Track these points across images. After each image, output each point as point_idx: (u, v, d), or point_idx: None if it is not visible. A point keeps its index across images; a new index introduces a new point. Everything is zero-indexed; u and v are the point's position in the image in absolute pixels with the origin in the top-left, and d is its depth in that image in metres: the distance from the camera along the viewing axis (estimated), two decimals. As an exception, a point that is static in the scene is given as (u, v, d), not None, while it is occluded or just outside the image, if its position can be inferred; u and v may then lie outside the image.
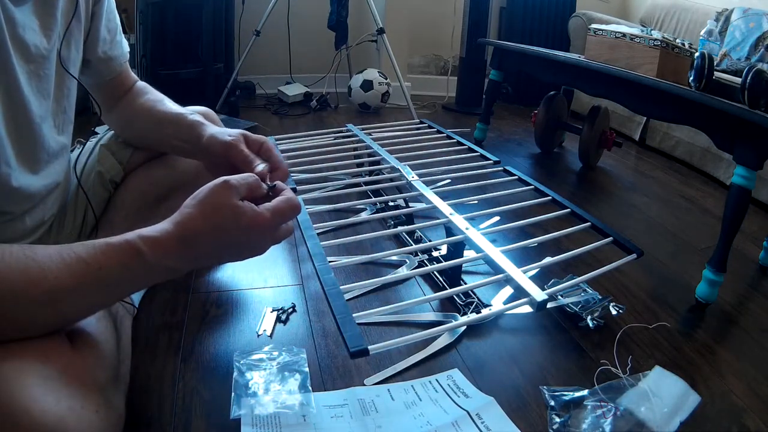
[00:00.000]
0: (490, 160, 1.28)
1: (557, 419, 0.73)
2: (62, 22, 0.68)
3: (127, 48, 0.86)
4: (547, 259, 1.00)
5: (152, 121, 0.85)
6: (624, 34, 1.50)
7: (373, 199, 1.28)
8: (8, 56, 0.58)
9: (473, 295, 0.99)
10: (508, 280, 0.82)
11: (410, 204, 1.22)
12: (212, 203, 0.55)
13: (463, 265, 1.05)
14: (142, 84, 0.90)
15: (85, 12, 0.73)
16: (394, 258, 1.13)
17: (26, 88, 0.62)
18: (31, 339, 0.49)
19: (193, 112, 0.82)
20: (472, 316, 0.90)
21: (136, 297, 0.90)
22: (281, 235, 0.60)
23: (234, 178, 0.57)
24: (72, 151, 0.92)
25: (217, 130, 0.75)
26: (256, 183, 0.59)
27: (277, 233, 0.60)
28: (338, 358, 0.84)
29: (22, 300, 0.48)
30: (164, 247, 0.53)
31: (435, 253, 1.13)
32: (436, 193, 1.06)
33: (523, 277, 0.81)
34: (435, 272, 1.07)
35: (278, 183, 0.62)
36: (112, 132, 0.92)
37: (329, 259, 0.80)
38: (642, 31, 1.54)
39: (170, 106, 0.86)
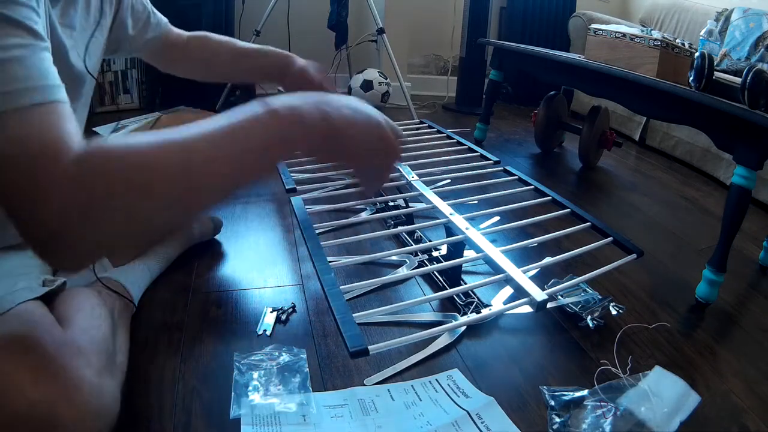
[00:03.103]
0: (490, 160, 1.28)
1: (557, 419, 0.73)
2: (80, 27, 0.71)
3: (164, 20, 0.99)
4: (547, 259, 1.00)
5: (235, 54, 1.01)
6: (624, 34, 1.50)
7: (373, 199, 1.28)
8: None
9: (473, 295, 0.99)
10: (508, 280, 0.82)
11: (410, 204, 1.22)
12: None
13: (463, 265, 1.05)
14: (200, 34, 1.04)
15: (101, 28, 0.79)
16: (394, 258, 1.13)
17: None
18: (26, 323, 0.50)
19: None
20: (472, 316, 0.90)
21: (136, 295, 0.90)
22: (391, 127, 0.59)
23: None
24: None
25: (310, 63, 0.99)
26: None
27: (395, 149, 0.59)
28: (338, 358, 0.84)
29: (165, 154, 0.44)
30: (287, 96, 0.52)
31: (435, 253, 1.13)
32: (436, 193, 1.06)
33: (523, 277, 0.81)
34: (435, 272, 1.07)
35: None
36: (114, 132, 0.94)
37: (329, 259, 0.80)
38: (642, 31, 1.54)
39: (243, 43, 1.03)
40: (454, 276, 1.03)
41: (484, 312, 0.90)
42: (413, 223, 1.21)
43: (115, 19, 0.83)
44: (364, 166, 0.59)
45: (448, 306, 0.99)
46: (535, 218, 1.01)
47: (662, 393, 0.78)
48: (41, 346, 0.49)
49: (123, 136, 0.45)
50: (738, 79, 1.14)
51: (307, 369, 0.78)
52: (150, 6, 0.94)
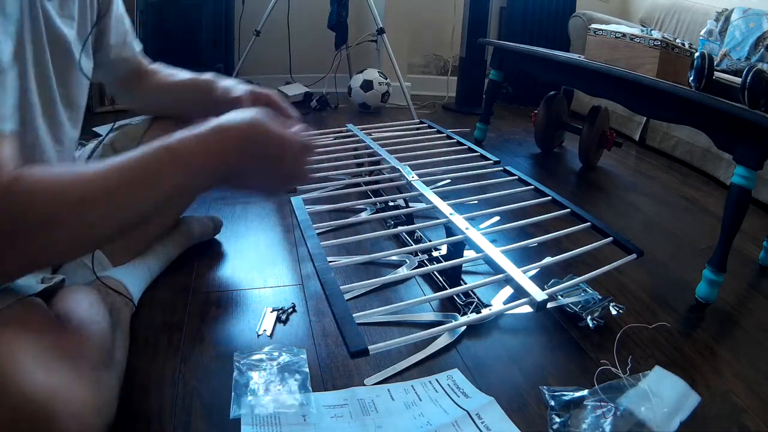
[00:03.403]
0: (490, 160, 1.28)
1: (557, 419, 0.73)
2: (79, 17, 0.71)
3: (139, 46, 0.94)
4: (547, 259, 1.00)
5: (172, 90, 0.95)
6: (624, 34, 1.50)
7: (373, 199, 1.28)
8: (43, 45, 0.62)
9: (473, 295, 0.99)
10: (508, 280, 0.82)
11: (410, 204, 1.22)
12: (250, 108, 0.60)
13: (463, 265, 1.05)
14: (156, 65, 0.98)
15: (90, 21, 0.77)
16: (394, 258, 1.13)
17: (55, 82, 0.67)
18: (23, 317, 0.51)
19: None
20: (472, 316, 0.90)
21: (136, 294, 0.90)
22: (301, 165, 0.63)
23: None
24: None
25: (230, 83, 0.84)
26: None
27: (301, 161, 0.62)
28: (338, 358, 0.84)
29: (82, 214, 0.49)
30: (191, 136, 0.55)
31: (435, 253, 1.13)
32: (436, 193, 1.06)
33: (523, 277, 0.81)
34: (435, 272, 1.07)
35: None
36: (116, 133, 0.93)
37: (329, 259, 0.80)
38: (642, 31, 1.54)
39: (184, 75, 0.96)
40: (454, 276, 1.03)
41: (484, 312, 0.90)
42: (413, 223, 1.21)
43: (99, 23, 0.81)
44: (262, 191, 0.65)
45: (448, 306, 0.99)
46: (535, 218, 1.01)
47: (662, 393, 0.78)
48: (39, 341, 0.49)
49: (48, 167, 0.51)
50: (738, 79, 1.14)
51: (307, 369, 0.78)
52: (129, 24, 0.90)
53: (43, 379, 0.45)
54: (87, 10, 0.75)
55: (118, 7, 0.85)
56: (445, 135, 1.46)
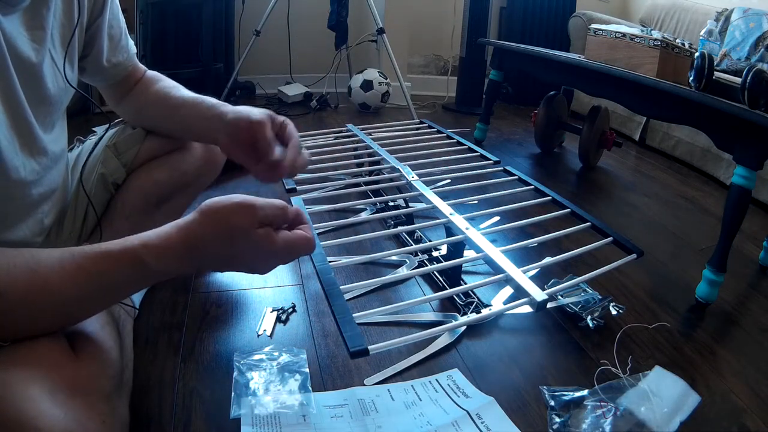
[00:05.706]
0: (490, 160, 1.28)
1: (557, 419, 0.73)
2: (57, 35, 0.67)
3: (133, 49, 0.87)
4: (547, 259, 1.00)
5: (167, 106, 0.86)
6: (624, 34, 1.50)
7: (373, 199, 1.28)
8: (7, 66, 0.58)
9: (473, 295, 0.99)
10: (508, 280, 0.82)
11: (410, 204, 1.22)
12: (228, 218, 0.55)
13: (463, 265, 1.05)
14: (152, 73, 0.91)
15: (79, 28, 0.72)
16: (394, 258, 1.13)
17: (25, 98, 0.62)
18: (37, 351, 0.50)
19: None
20: (472, 316, 0.90)
21: (137, 298, 0.90)
22: (289, 259, 0.61)
23: (260, 202, 0.56)
24: (71, 150, 0.92)
25: (243, 107, 0.77)
26: (281, 213, 0.59)
27: (286, 258, 0.60)
28: (338, 358, 0.84)
29: (29, 311, 0.49)
30: (167, 254, 0.54)
31: (435, 253, 1.13)
32: (436, 193, 1.06)
33: (523, 277, 0.80)
34: (435, 272, 1.07)
35: (300, 213, 0.62)
36: (115, 130, 0.91)
37: (329, 259, 0.80)
38: (642, 31, 1.54)
39: (186, 92, 0.87)
40: (454, 276, 1.03)
41: (484, 312, 0.90)
42: (413, 223, 1.21)
43: (92, 24, 0.76)
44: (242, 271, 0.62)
45: (448, 306, 0.99)
46: (535, 218, 1.01)
47: (662, 393, 0.78)
48: (53, 376, 0.48)
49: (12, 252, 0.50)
50: (738, 79, 1.13)
51: (307, 369, 0.78)
52: (124, 26, 0.83)
53: (60, 417, 0.44)
54: (74, 12, 0.69)
55: (113, 6, 0.79)
56: (445, 135, 1.45)
